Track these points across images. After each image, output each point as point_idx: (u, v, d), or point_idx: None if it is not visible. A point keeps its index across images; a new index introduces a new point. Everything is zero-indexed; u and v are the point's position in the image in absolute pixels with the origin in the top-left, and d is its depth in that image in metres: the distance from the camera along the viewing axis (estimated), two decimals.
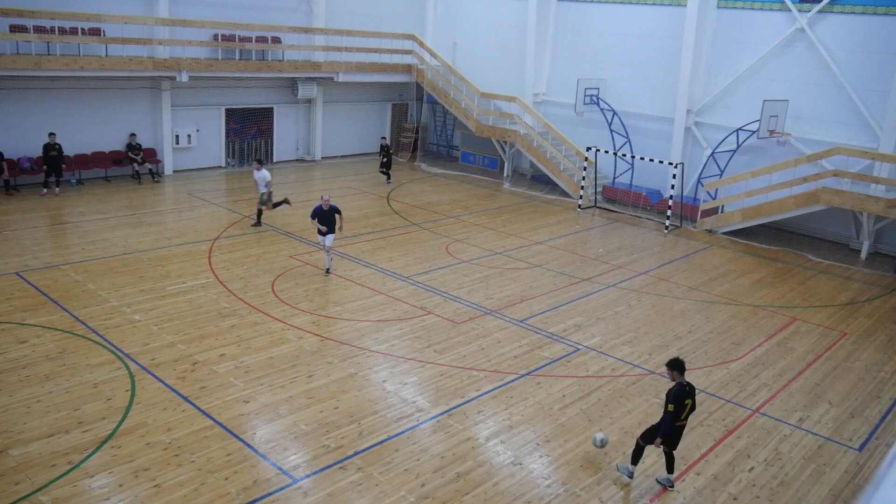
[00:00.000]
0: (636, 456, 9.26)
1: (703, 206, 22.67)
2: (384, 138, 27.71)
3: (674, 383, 8.93)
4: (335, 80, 27.73)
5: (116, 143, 23.93)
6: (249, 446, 9.47)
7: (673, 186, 21.97)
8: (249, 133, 27.58)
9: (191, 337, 12.43)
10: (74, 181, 22.86)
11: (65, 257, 16.09)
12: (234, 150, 27.30)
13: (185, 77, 23.43)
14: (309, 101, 28.72)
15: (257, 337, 12.61)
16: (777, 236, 22.00)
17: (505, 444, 9.96)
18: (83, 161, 23.13)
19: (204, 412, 10.16)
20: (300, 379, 11.29)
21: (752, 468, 9.79)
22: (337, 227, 15.93)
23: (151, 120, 24.60)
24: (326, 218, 15.75)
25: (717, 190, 23.05)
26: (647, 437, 9.11)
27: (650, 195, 24.50)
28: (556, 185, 26.18)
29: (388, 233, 19.66)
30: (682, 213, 23.04)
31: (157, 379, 10.95)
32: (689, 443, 10.20)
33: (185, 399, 10.47)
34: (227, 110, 26.46)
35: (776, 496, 9.20)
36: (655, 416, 10.75)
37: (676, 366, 8.88)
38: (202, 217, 20.21)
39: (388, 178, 25.98)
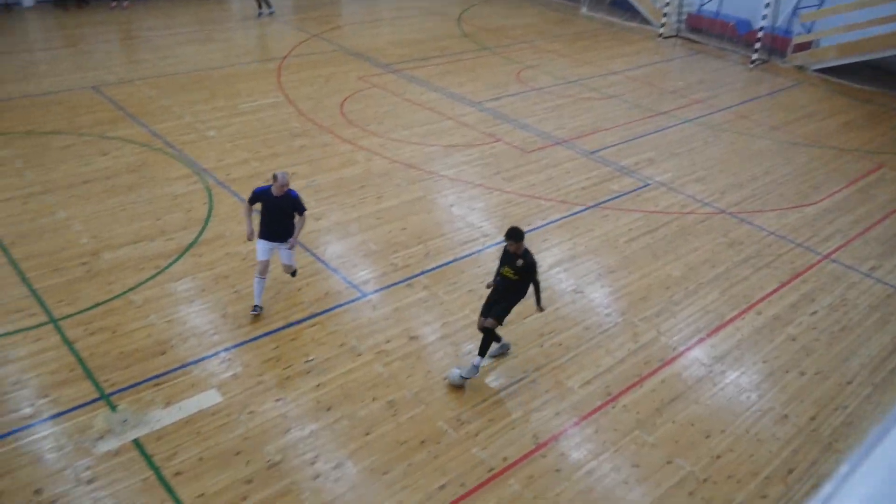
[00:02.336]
0: (485, 346, 7.84)
1: (796, 40, 21.14)
2: None
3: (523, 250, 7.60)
4: None
5: None
6: (321, 260, 9.88)
7: (765, 17, 20.43)
8: None
9: (263, 155, 12.66)
10: None
11: (138, 72, 16.25)
12: None
13: None
14: None
15: (327, 158, 12.76)
16: (874, 77, 20.52)
17: (568, 272, 10.13)
18: None
19: None
20: (369, 200, 11.52)
21: (815, 312, 9.78)
22: (294, 234, 8.51)
23: None
24: (276, 213, 8.34)
25: (813, 22, 21.37)
26: (502, 316, 7.76)
27: (738, 25, 22.88)
28: (637, 12, 24.63)
29: (457, 57, 19.10)
30: (772, 47, 21.58)
31: (232, 193, 11.32)
32: (754, 283, 10.21)
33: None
34: None
35: (836, 340, 9.25)
36: (721, 256, 10.73)
37: (516, 234, 7.51)
38: (270, 34, 19.92)
39: (260, 6, 21.26)
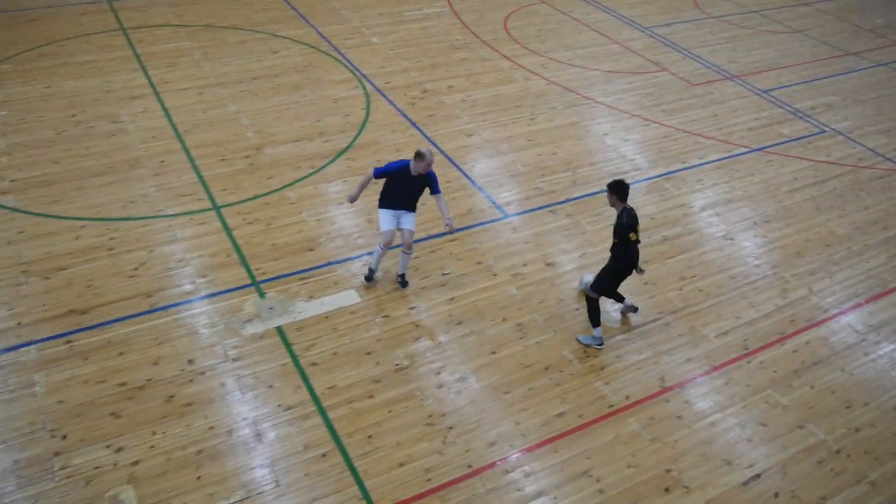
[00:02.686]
0: (595, 315, 7.45)
1: None
2: None
3: (621, 209, 7.04)
4: None
5: None
6: (467, 176, 9.96)
7: None
8: None
9: (423, 65, 12.74)
10: None
11: None
12: None
13: None
14: None
15: (485, 73, 12.66)
16: None
17: (720, 216, 9.67)
18: None
19: (429, 139, 10.68)
20: (522, 120, 11.38)
21: None
22: (446, 214, 7.59)
23: None
24: (407, 189, 7.63)
25: None
26: (600, 286, 7.32)
27: None
28: None
29: None
30: None
31: (389, 102, 11.53)
32: None
33: (414, 124, 11.01)
34: None
35: None
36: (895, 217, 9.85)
37: (615, 189, 7.01)
38: None
39: None
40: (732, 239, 9.27)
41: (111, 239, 8.32)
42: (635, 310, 7.88)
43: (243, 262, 8.15)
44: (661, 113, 11.92)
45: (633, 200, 9.67)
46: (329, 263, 8.24)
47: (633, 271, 7.29)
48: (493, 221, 9.19)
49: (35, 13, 13.62)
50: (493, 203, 9.51)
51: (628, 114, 11.84)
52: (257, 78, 11.91)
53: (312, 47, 13.08)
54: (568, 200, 9.67)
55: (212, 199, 9.11)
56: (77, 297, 7.52)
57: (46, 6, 13.95)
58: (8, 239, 8.22)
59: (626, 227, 6.92)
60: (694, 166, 10.64)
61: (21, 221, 8.49)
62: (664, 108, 12.09)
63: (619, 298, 7.71)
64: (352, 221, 8.93)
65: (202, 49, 12.70)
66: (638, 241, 7.10)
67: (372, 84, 12.01)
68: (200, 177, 9.49)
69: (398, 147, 10.42)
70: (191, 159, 9.82)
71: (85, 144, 9.96)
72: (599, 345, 7.48)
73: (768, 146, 11.31)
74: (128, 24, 13.44)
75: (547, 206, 9.52)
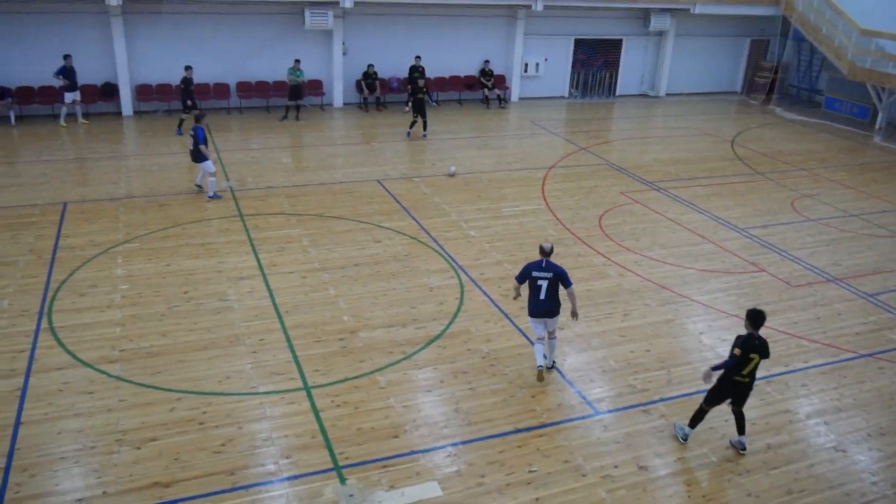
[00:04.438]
0: (696, 419, 8.47)
1: None
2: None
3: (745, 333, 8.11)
4: (691, 11, 26.25)
5: (471, 68, 25.49)
6: (558, 370, 9.81)
7: None
8: (595, 65, 27.48)
9: (517, 258, 13.07)
10: (433, 102, 24.94)
11: (418, 170, 17.83)
12: (578, 81, 27.48)
13: (539, 6, 23.93)
14: (660, 34, 27.63)
15: (579, 268, 12.83)
16: None
17: (829, 426, 9.03)
18: (440, 84, 25.08)
19: (521, 331, 10.71)
20: (615, 315, 11.32)
21: None
22: (573, 307, 9.33)
23: (504, 48, 25.68)
24: (543, 287, 9.11)
25: None
26: (710, 400, 8.35)
27: None
28: None
29: (727, 179, 18.47)
30: None
31: (483, 292, 11.77)
32: None
33: (506, 316, 11.12)
34: (576, 40, 26.58)
35: None
36: None
37: (751, 317, 8.05)
38: (541, 145, 20.85)
39: (424, 127, 20.79)
40: (845, 451, 8.58)
41: (204, 413, 8.52)
42: (742, 447, 8.41)
43: (328, 445, 8.11)
44: None
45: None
46: (413, 452, 8.09)
47: (732, 390, 8.16)
48: (583, 418, 8.90)
49: (166, 199, 15.05)
50: (584, 399, 9.26)
51: (725, 313, 11.59)
52: (358, 265, 12.50)
53: (412, 238, 13.72)
54: (662, 400, 9.31)
55: (304, 379, 9.29)
56: (164, 469, 7.60)
57: (177, 193, 15.41)
58: (109, 406, 8.55)
59: (736, 341, 7.93)
60: (797, 370, 10.15)
61: (124, 390, 8.86)
62: (765, 308, 11.76)
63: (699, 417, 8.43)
64: (439, 410, 8.84)
65: (310, 236, 13.54)
66: (743, 370, 7.97)
67: (467, 274, 12.36)
68: (295, 357, 9.76)
69: (490, 337, 10.48)
70: (288, 339, 10.16)
71: (193, 319, 10.52)
72: (683, 439, 8.45)
73: (878, 352, 10.72)
74: (246, 210, 14.60)
75: (640, 405, 9.18)
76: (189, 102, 19.65)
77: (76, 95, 20.20)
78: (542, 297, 9.09)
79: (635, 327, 11.02)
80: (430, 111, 23.44)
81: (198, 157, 15.15)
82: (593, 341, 10.58)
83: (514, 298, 9.58)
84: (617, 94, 28.10)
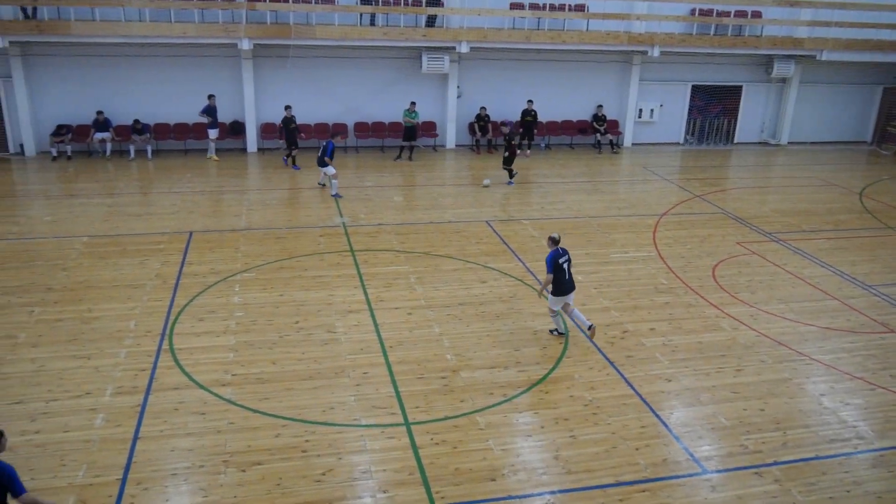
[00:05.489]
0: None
1: None
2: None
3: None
4: (817, 58, 25.25)
5: (583, 113, 25.44)
6: (665, 424, 9.44)
7: None
8: (713, 111, 26.83)
9: (625, 306, 12.77)
10: (544, 146, 25.02)
11: (526, 213, 17.83)
12: (694, 128, 26.88)
13: (656, 52, 23.70)
14: (783, 81, 26.71)
15: (690, 319, 12.39)
16: None
17: None
18: (553, 128, 25.15)
19: (626, 380, 10.41)
20: (727, 370, 10.82)
21: None
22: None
23: (618, 93, 25.51)
24: (568, 268, 11.22)
25: None
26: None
27: None
28: None
29: (854, 233, 17.45)
30: None
31: (588, 338, 11.54)
32: None
33: (611, 363, 10.84)
34: (693, 87, 26.08)
35: None
36: None
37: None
38: (653, 191, 20.44)
39: (510, 174, 20.40)
40: None
41: (307, 441, 8.71)
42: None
43: (425, 482, 8.09)
44: (890, 378, 10.81)
45: (855, 474, 8.58)
46: (510, 497, 7.95)
47: None
48: (689, 476, 8.49)
49: (283, 232, 15.70)
50: (691, 456, 8.85)
51: (850, 375, 10.86)
52: (463, 304, 12.55)
53: (518, 280, 13.67)
54: (776, 464, 8.77)
55: (404, 414, 9.35)
56: (266, 493, 7.79)
57: (294, 227, 16.05)
58: (218, 428, 8.88)
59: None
60: None
61: (233, 414, 9.19)
62: (892, 372, 10.97)
63: None
64: (538, 456, 8.67)
65: (417, 273, 13.74)
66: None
67: (573, 319, 12.16)
68: (397, 392, 9.85)
69: (594, 385, 10.24)
70: (391, 374, 10.28)
71: (301, 349, 10.83)
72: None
73: None
74: (357, 246, 15.01)
75: (752, 467, 8.68)
76: (291, 140, 20.98)
77: (216, 133, 21.67)
78: (568, 277, 10.94)
79: (749, 384, 10.49)
80: (539, 154, 23.49)
81: (322, 162, 18.36)
82: (702, 396, 10.13)
83: (541, 295, 11.18)
84: (735, 141, 27.27)
